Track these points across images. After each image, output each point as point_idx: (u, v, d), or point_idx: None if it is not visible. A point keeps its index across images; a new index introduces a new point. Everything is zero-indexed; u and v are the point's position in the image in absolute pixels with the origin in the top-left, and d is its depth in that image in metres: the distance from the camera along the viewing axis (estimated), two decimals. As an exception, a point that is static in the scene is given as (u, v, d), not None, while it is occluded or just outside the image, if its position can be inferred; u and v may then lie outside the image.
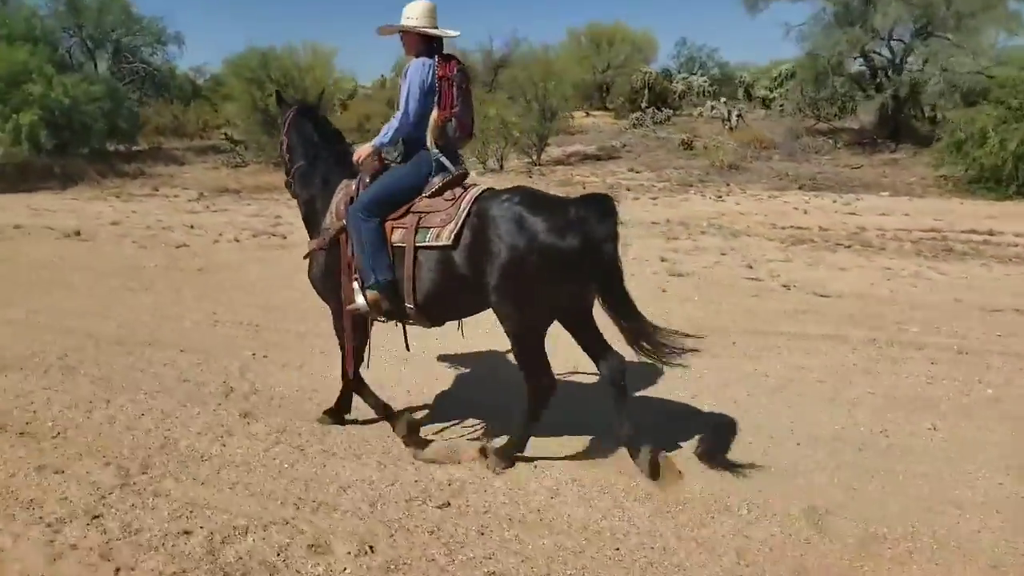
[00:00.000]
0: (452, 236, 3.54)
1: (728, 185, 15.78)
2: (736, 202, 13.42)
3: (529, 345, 3.61)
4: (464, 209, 3.57)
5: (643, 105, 30.41)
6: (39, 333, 5.96)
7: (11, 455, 3.82)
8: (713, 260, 8.68)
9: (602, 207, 3.46)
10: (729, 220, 11.39)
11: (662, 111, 27.54)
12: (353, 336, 3.99)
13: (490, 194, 3.66)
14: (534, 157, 19.45)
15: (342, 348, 4.08)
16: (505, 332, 3.62)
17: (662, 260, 8.60)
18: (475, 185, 3.80)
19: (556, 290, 3.48)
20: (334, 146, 4.21)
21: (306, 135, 4.20)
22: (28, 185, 16.56)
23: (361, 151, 3.86)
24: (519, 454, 3.76)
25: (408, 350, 4.19)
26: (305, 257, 4.12)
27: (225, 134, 20.16)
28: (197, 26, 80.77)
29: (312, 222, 4.14)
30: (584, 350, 3.77)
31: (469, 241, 3.53)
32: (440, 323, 3.95)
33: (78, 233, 10.83)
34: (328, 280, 3.99)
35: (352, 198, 3.84)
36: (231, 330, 6.18)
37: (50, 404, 4.51)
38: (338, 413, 4.28)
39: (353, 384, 4.17)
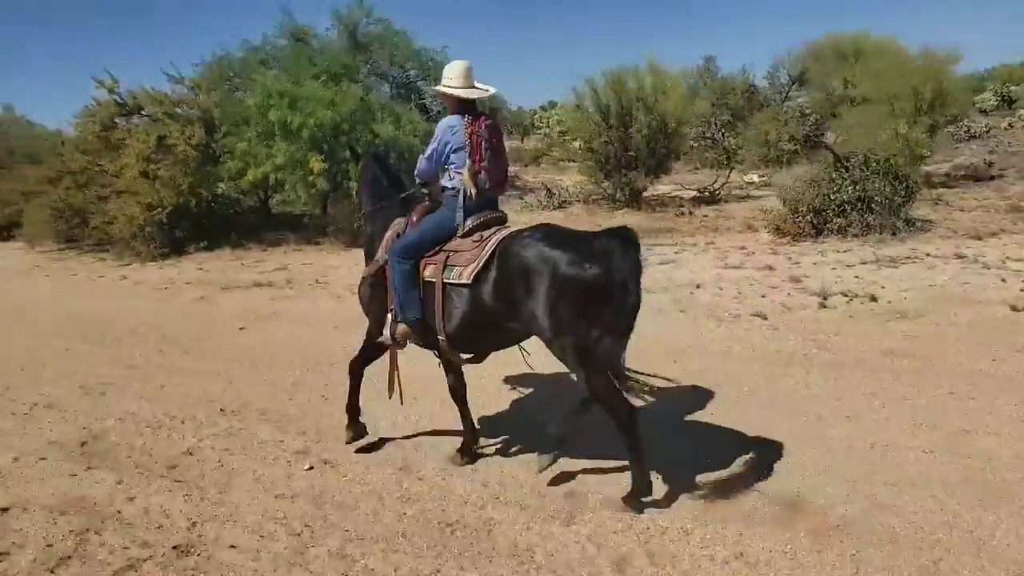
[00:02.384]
0: (472, 276, 3.87)
1: None
2: None
3: (592, 376, 3.62)
4: (488, 251, 3.87)
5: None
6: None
7: None
8: None
9: (625, 240, 3.56)
10: None
11: (978, 123, 23.65)
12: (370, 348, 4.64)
13: (514, 234, 3.88)
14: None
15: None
16: (569, 370, 3.78)
17: None
18: (506, 227, 4.10)
19: (587, 320, 3.52)
20: (396, 189, 4.73)
21: (374, 181, 4.81)
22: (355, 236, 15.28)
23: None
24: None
25: (401, 402, 4.76)
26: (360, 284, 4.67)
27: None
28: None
29: (369, 253, 4.64)
30: None
31: (494, 279, 3.80)
32: (475, 356, 4.36)
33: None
34: (371, 303, 4.52)
35: (398, 234, 4.34)
36: None
37: None
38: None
39: (351, 375, 4.70)
